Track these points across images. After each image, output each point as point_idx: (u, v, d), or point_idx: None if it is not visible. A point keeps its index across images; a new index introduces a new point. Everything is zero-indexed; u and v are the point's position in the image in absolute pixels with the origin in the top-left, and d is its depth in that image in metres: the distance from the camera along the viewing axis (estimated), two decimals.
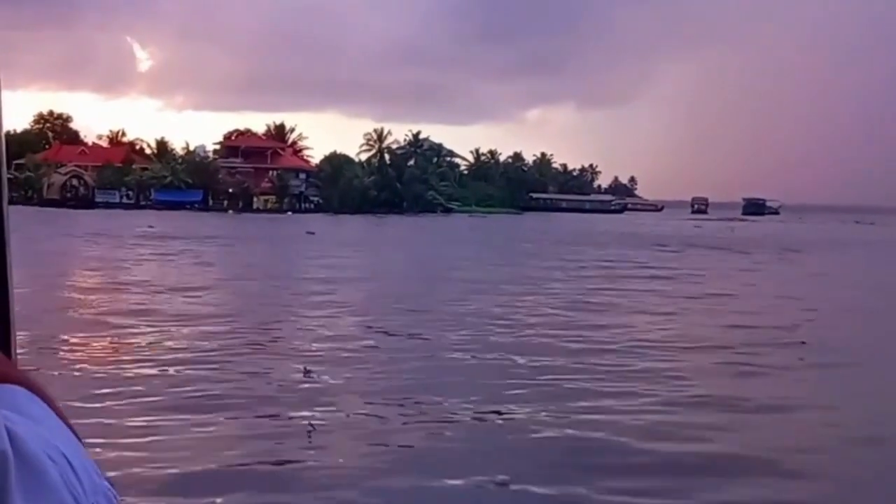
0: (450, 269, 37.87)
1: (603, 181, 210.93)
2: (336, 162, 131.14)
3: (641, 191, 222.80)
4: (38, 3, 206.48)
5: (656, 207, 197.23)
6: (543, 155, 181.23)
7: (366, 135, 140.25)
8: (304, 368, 16.73)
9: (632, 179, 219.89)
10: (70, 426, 0.86)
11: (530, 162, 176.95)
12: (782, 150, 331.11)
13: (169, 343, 18.34)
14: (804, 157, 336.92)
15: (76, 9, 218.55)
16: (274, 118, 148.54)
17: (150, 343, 18.14)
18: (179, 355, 17.10)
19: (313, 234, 66.22)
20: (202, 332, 19.90)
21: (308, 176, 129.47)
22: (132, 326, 20.03)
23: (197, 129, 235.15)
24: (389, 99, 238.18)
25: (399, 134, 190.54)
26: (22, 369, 0.92)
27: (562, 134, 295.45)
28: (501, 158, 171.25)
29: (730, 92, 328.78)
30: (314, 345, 18.94)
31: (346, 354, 17.97)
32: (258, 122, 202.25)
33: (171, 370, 15.09)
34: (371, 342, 19.63)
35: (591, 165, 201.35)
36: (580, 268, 41.17)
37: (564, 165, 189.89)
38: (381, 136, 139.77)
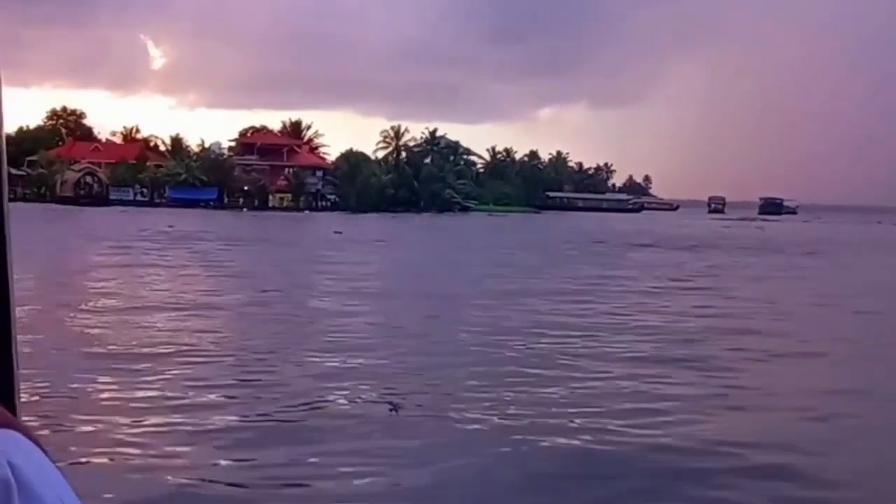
0: (511, 278, 34.19)
1: (617, 180, 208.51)
2: (354, 160, 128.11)
3: (655, 190, 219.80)
4: (52, 1, 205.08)
5: (672, 207, 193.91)
6: (559, 153, 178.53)
7: (382, 132, 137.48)
8: (391, 406, 13.64)
9: (646, 178, 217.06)
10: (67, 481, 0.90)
11: (545, 161, 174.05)
12: (797, 150, 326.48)
13: (199, 397, 14.02)
14: (819, 157, 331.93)
15: (90, 6, 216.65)
16: (286, 116, 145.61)
17: (177, 400, 13.67)
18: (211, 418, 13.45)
19: (340, 233, 63.33)
20: (238, 375, 15.84)
21: (325, 174, 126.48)
22: (148, 371, 15.69)
23: (209, 126, 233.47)
24: (401, 98, 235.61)
25: (414, 132, 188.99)
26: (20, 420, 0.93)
27: (573, 133, 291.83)
28: (517, 157, 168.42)
29: (743, 91, 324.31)
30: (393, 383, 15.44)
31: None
32: (270, 120, 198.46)
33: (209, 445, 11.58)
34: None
35: (605, 164, 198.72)
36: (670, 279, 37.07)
37: (580, 164, 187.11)
38: (398, 134, 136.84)
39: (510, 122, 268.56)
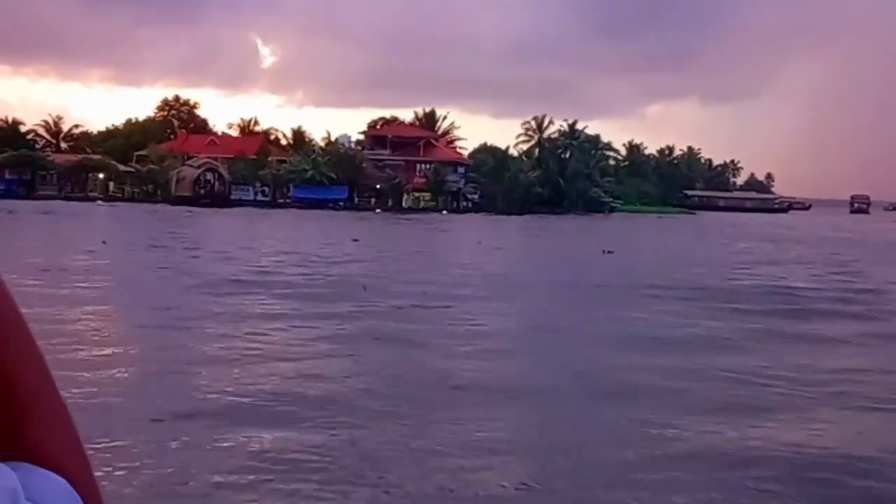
0: None
1: (736, 177, 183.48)
2: (499, 155, 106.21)
3: (777, 188, 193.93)
4: (164, 1, 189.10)
5: (804, 206, 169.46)
6: (690, 149, 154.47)
7: (524, 124, 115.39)
8: None
9: (768, 176, 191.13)
10: None
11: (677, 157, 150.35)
12: None
13: None
14: None
15: (201, 6, 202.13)
16: (390, 115, 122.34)
17: None
18: None
19: (612, 253, 41.47)
20: None
21: (466, 170, 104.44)
22: None
23: (317, 125, 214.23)
24: (507, 95, 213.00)
25: (513, 129, 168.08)
26: (78, 452, 0.76)
27: (683, 130, 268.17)
28: (646, 152, 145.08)
29: (865, 87, 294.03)
30: None
31: None
32: (377, 118, 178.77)
33: None
34: None
35: (732, 161, 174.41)
36: None
37: (709, 161, 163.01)
38: (540, 126, 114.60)
39: (618, 118, 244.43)
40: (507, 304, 23.67)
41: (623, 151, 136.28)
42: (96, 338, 16.89)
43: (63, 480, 0.71)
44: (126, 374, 14.09)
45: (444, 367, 14.89)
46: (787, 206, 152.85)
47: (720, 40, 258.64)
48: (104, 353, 15.42)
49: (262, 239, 47.72)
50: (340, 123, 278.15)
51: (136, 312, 20.00)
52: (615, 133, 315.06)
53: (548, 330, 19.29)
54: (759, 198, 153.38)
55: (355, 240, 46.21)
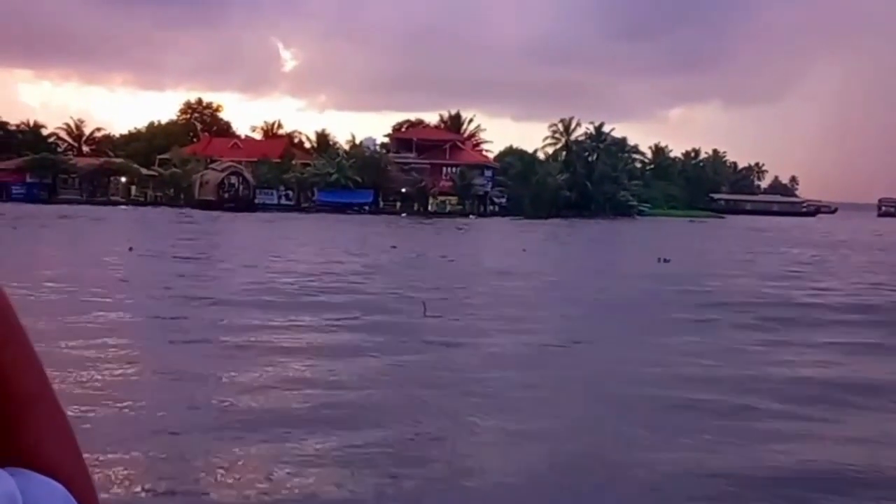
0: None
1: (761, 180, 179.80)
2: (526, 158, 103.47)
3: (801, 192, 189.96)
4: (186, 3, 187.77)
5: (831, 209, 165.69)
6: (716, 152, 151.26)
7: (550, 126, 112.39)
8: None
9: (792, 179, 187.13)
10: None
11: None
12: None
13: None
14: None
15: (222, 9, 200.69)
16: (413, 118, 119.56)
17: None
18: None
19: (668, 262, 38.67)
20: None
21: (494, 173, 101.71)
22: None
23: (339, 128, 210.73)
24: (528, 98, 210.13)
25: (534, 132, 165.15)
26: (76, 458, 0.77)
27: (705, 132, 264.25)
28: (671, 155, 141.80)
29: (890, 88, 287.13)
30: None
31: None
32: (401, 121, 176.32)
33: None
34: None
35: (757, 164, 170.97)
36: None
37: (734, 164, 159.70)
38: (567, 129, 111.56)
39: (641, 121, 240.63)
40: (586, 331, 20.78)
41: (649, 154, 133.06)
42: (112, 363, 14.31)
43: (61, 486, 0.71)
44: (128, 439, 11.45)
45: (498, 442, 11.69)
46: (815, 210, 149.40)
47: (743, 42, 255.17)
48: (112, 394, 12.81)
49: (294, 246, 45.19)
50: (362, 126, 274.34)
51: (160, 340, 17.31)
52: (638, 136, 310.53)
53: (654, 374, 16.37)
54: (787, 201, 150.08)
55: (393, 246, 43.69)
